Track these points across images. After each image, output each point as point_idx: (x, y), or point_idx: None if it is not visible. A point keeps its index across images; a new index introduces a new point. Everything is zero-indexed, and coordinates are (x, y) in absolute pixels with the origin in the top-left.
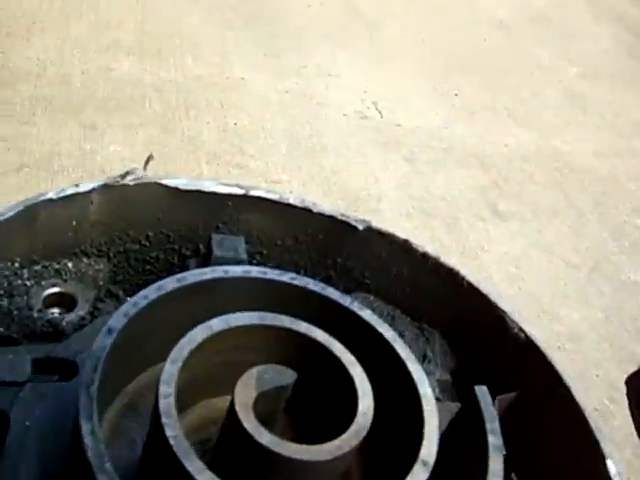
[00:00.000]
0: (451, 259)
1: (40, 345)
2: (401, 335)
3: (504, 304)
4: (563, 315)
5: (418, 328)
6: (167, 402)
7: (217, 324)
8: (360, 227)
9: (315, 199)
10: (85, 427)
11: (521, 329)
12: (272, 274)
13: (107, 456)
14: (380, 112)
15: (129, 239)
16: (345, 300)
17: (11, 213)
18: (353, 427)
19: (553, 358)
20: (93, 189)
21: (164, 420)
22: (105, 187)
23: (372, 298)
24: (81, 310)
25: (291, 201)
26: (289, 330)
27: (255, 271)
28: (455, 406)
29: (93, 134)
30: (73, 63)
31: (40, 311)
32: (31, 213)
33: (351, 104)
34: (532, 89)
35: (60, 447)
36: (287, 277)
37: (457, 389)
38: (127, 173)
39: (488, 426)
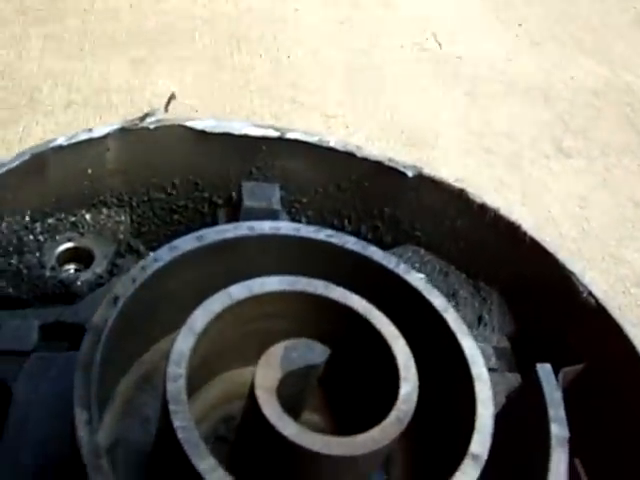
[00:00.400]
0: (512, 197)
1: (50, 309)
2: (454, 294)
3: (572, 264)
4: (630, 259)
5: (474, 287)
6: (176, 386)
7: (238, 291)
8: (410, 174)
9: (371, 135)
10: (80, 416)
11: (591, 293)
12: (305, 231)
13: (104, 451)
14: (439, 43)
15: (153, 187)
16: (390, 262)
17: (17, 162)
18: (393, 414)
19: (628, 330)
20: (108, 134)
21: (172, 407)
22: (122, 131)
23: (423, 252)
24: (98, 267)
25: (332, 144)
26: (323, 297)
27: (285, 227)
28: (513, 378)
29: (142, 69)
30: None
31: (53, 269)
32: (40, 162)
33: (409, 35)
34: (602, 17)
35: (66, 427)
36: (323, 234)
37: (516, 357)
38: (146, 115)
39: (552, 413)
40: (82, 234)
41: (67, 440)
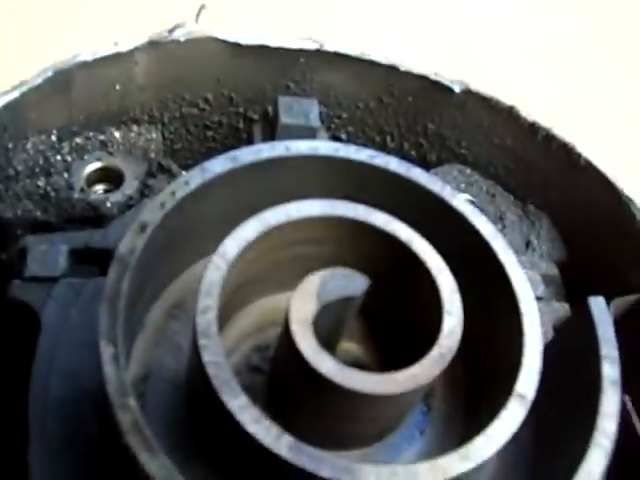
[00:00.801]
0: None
1: (79, 232)
2: (502, 217)
3: (630, 189)
4: None
5: (522, 210)
6: (206, 319)
7: (273, 216)
8: (457, 89)
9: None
10: (106, 352)
11: None
12: (345, 151)
13: (131, 389)
14: None
15: (185, 103)
16: (435, 185)
17: (39, 80)
18: (435, 350)
19: None
20: (136, 48)
21: (201, 342)
22: (151, 45)
23: (469, 171)
24: (129, 188)
25: (373, 57)
26: (364, 223)
27: (324, 147)
28: (562, 308)
29: None
30: None
31: (82, 191)
32: (64, 78)
33: None
34: None
35: (97, 354)
36: (364, 155)
37: (566, 286)
38: (175, 27)
39: (604, 351)
40: (111, 153)
41: (98, 369)
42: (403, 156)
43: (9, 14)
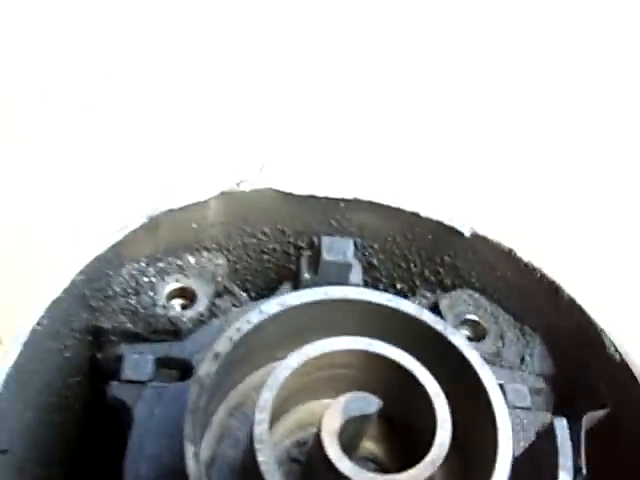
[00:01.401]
0: None
1: (161, 344)
2: (502, 336)
3: (603, 322)
4: None
5: (520, 330)
6: (260, 429)
7: (312, 350)
8: (467, 233)
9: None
10: (189, 451)
11: (617, 349)
12: (369, 295)
13: (205, 473)
14: None
15: (246, 235)
16: (438, 325)
17: (136, 225)
18: (428, 457)
19: None
20: (211, 197)
21: (257, 446)
22: (222, 194)
23: (477, 296)
24: (200, 306)
25: (399, 205)
26: (379, 355)
27: (353, 292)
28: (545, 417)
29: None
30: None
31: (164, 307)
32: (154, 221)
33: None
34: None
35: (177, 442)
36: (384, 299)
37: (556, 395)
38: (242, 180)
39: (561, 461)
40: (187, 275)
41: (176, 455)
42: (425, 279)
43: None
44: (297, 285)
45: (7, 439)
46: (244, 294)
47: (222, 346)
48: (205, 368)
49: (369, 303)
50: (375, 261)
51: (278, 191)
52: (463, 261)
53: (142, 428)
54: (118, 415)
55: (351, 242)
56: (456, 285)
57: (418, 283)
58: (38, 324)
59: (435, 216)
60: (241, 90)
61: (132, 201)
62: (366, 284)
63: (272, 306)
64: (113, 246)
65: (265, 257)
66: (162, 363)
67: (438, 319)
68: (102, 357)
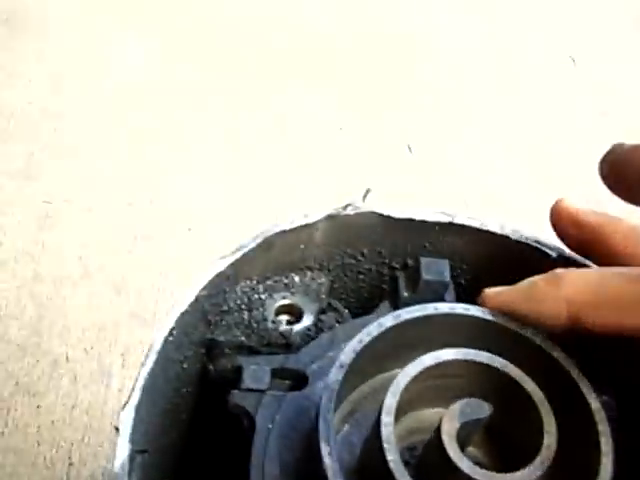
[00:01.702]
0: None
1: (275, 356)
2: None
3: None
4: None
5: None
6: (388, 430)
7: (428, 360)
8: (554, 254)
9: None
10: (324, 449)
11: None
12: (474, 310)
13: (341, 474)
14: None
15: (346, 255)
16: (537, 338)
17: (253, 244)
18: (537, 459)
19: None
20: (319, 220)
21: (385, 446)
22: (328, 217)
23: None
24: (307, 321)
25: (489, 228)
26: (487, 366)
27: (460, 308)
28: None
29: None
30: None
31: (273, 322)
32: (267, 243)
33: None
34: None
35: (296, 444)
36: (489, 314)
37: None
38: (347, 205)
39: None
40: (293, 293)
41: (298, 454)
42: None
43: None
44: (396, 303)
45: (145, 440)
46: (346, 311)
47: (347, 357)
48: (333, 377)
49: (476, 318)
50: (463, 281)
51: (378, 214)
52: None
53: (264, 432)
54: (238, 421)
55: (447, 263)
56: None
57: None
58: (170, 335)
59: (523, 238)
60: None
61: (247, 223)
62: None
63: (389, 320)
64: (232, 264)
65: (361, 277)
66: (277, 373)
67: (537, 332)
68: (215, 368)
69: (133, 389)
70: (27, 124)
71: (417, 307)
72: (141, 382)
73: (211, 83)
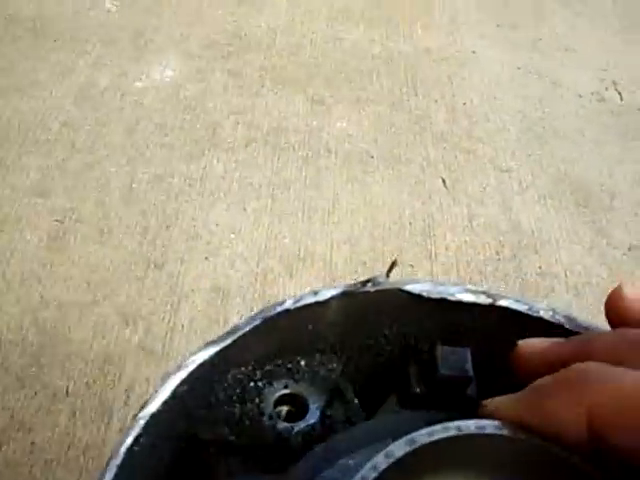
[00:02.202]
0: None
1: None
2: None
3: None
4: None
5: None
6: None
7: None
8: None
9: (544, 192)
10: None
11: None
12: (508, 430)
13: None
14: (620, 94)
15: (364, 336)
16: (587, 467)
17: (249, 327)
18: None
19: None
20: (332, 297)
21: None
22: (344, 294)
23: None
24: (312, 418)
25: (541, 314)
26: None
27: (490, 426)
28: None
29: (320, 109)
30: (302, 32)
31: (271, 417)
32: (268, 325)
33: (588, 83)
34: None
35: None
36: (524, 434)
37: None
38: (368, 280)
39: None
40: (297, 381)
41: None
42: None
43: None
44: (404, 400)
45: None
46: (356, 401)
47: None
48: None
49: (511, 439)
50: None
51: (406, 292)
52: None
53: None
54: None
55: (468, 352)
56: None
57: None
58: (135, 444)
59: (581, 329)
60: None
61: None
62: None
63: (399, 447)
64: (220, 351)
65: (380, 359)
66: None
67: (586, 461)
68: (198, 468)
69: None
70: (44, 137)
71: (433, 429)
72: None
73: (233, 105)
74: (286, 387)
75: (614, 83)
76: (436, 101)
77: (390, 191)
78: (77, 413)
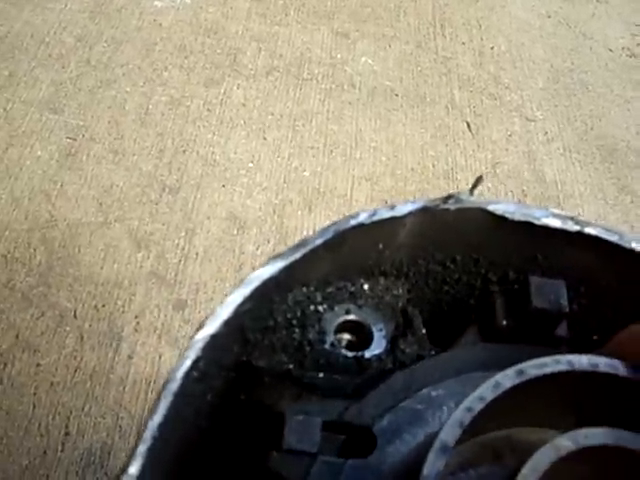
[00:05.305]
0: None
1: (332, 403)
2: None
3: None
4: None
5: None
6: None
7: (566, 444)
8: None
9: (569, 145)
10: None
11: None
12: (623, 370)
13: None
14: None
15: (433, 261)
16: None
17: (319, 241)
18: None
19: None
20: (410, 213)
21: None
22: (423, 210)
23: None
24: (377, 348)
25: (633, 245)
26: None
27: (604, 365)
28: None
29: (344, 42)
30: None
31: (332, 346)
32: (339, 239)
33: (619, 38)
34: None
35: None
36: None
37: None
38: (450, 196)
39: None
40: (360, 306)
41: None
42: None
43: None
44: (488, 332)
45: None
46: (424, 332)
47: (451, 434)
48: (432, 464)
49: (625, 380)
50: (575, 305)
51: (489, 212)
52: None
53: None
54: None
55: (563, 284)
56: None
57: None
58: (193, 368)
59: None
60: None
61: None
62: None
63: (508, 379)
64: (288, 267)
65: (445, 288)
66: (332, 427)
67: None
68: (245, 398)
69: (134, 453)
70: (58, 51)
71: (545, 361)
72: (147, 442)
73: (248, 38)
74: (348, 312)
75: None
76: (463, 43)
77: (414, 131)
78: (85, 337)
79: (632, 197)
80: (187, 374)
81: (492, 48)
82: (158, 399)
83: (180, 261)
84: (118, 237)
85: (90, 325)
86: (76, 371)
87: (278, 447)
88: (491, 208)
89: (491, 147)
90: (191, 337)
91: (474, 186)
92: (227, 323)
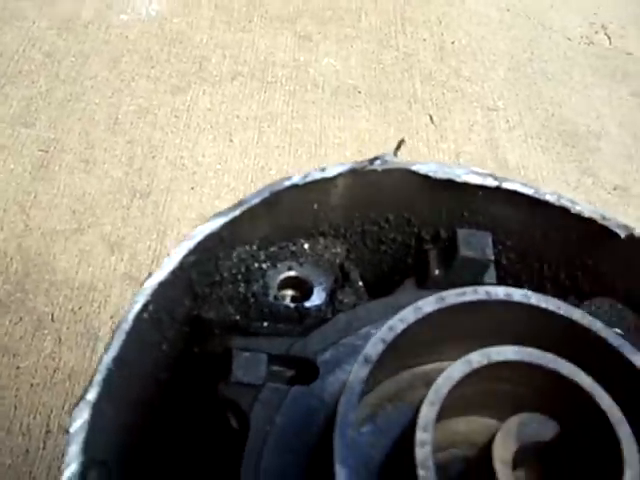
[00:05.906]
0: None
1: (279, 340)
2: None
3: None
4: None
5: None
6: (424, 452)
7: (477, 359)
8: (622, 235)
9: (531, 131)
10: (340, 474)
11: None
12: (535, 299)
13: None
14: (609, 38)
15: (368, 221)
16: (617, 340)
17: (256, 200)
18: None
19: None
20: (340, 174)
21: (420, 472)
22: (352, 171)
23: (620, 307)
24: (317, 299)
25: (547, 198)
26: (551, 371)
27: (518, 295)
28: None
29: (307, 45)
30: None
31: (276, 298)
32: (275, 198)
33: (577, 27)
34: None
35: (300, 457)
36: (552, 305)
37: None
38: (376, 158)
39: None
40: (301, 264)
41: (305, 474)
42: (557, 283)
43: None
44: (424, 282)
45: (105, 447)
46: (361, 284)
47: (374, 349)
48: (356, 374)
49: (534, 308)
50: (504, 259)
51: (413, 172)
52: (610, 266)
53: (260, 438)
54: (225, 418)
55: (489, 236)
56: (596, 292)
57: (548, 287)
58: (144, 310)
59: (587, 213)
60: None
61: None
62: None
63: (429, 304)
64: (229, 223)
65: (382, 247)
66: (277, 361)
67: (616, 335)
68: (199, 351)
69: (91, 382)
70: (27, 68)
71: (464, 290)
72: (103, 372)
73: (217, 41)
74: (290, 269)
75: (603, 27)
76: (425, 40)
77: (377, 126)
78: (62, 338)
79: (593, 179)
80: (138, 316)
81: (453, 43)
82: (112, 337)
83: (153, 262)
84: (92, 242)
85: (67, 327)
86: (55, 372)
87: (227, 379)
88: (415, 168)
89: (454, 137)
90: (141, 284)
91: (397, 148)
92: (174, 273)
